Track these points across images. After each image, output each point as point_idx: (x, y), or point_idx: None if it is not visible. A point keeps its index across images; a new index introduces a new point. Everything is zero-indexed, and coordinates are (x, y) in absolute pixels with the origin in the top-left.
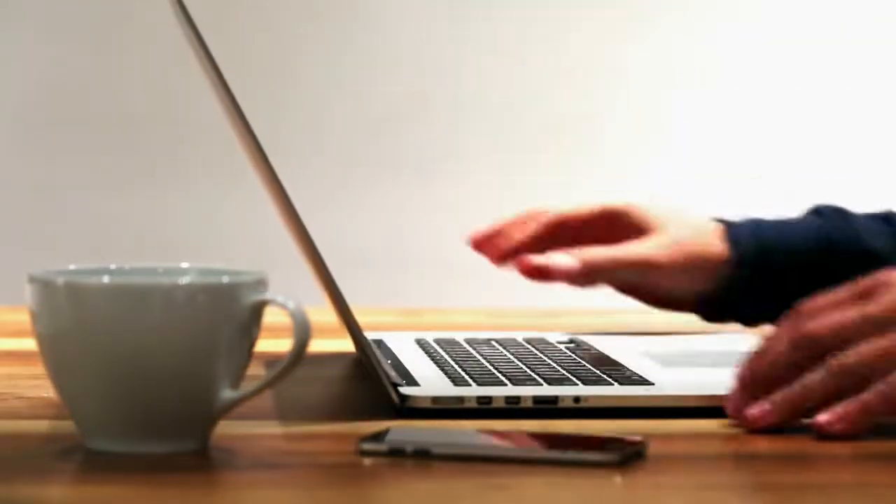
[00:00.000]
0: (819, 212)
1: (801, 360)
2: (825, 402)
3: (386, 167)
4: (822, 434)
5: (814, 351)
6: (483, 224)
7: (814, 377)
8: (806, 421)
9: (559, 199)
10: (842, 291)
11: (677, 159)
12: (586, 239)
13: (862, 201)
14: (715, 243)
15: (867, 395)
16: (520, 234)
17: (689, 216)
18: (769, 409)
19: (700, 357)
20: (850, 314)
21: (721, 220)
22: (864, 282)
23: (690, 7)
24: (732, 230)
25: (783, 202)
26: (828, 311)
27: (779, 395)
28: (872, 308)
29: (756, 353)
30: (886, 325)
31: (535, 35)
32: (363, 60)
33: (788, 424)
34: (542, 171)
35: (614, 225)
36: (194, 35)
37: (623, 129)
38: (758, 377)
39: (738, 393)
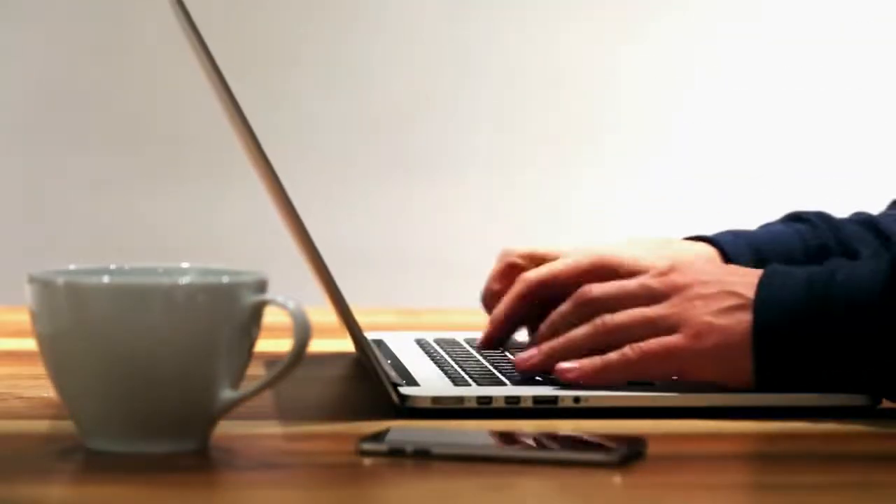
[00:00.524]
0: (802, 218)
1: (578, 318)
2: (587, 356)
3: (386, 167)
4: (563, 381)
5: (591, 310)
6: (482, 224)
7: (579, 331)
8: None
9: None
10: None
11: (675, 159)
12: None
13: (859, 201)
14: None
15: (612, 355)
16: (505, 303)
17: (677, 252)
18: (534, 353)
19: None
20: (632, 284)
21: (708, 240)
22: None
23: (690, 7)
24: (728, 252)
25: (780, 202)
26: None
27: (546, 345)
28: (652, 281)
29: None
30: (659, 298)
31: (534, 35)
32: (363, 60)
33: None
34: (541, 171)
35: (604, 277)
36: (194, 34)
37: (621, 130)
38: (543, 333)
39: (527, 346)
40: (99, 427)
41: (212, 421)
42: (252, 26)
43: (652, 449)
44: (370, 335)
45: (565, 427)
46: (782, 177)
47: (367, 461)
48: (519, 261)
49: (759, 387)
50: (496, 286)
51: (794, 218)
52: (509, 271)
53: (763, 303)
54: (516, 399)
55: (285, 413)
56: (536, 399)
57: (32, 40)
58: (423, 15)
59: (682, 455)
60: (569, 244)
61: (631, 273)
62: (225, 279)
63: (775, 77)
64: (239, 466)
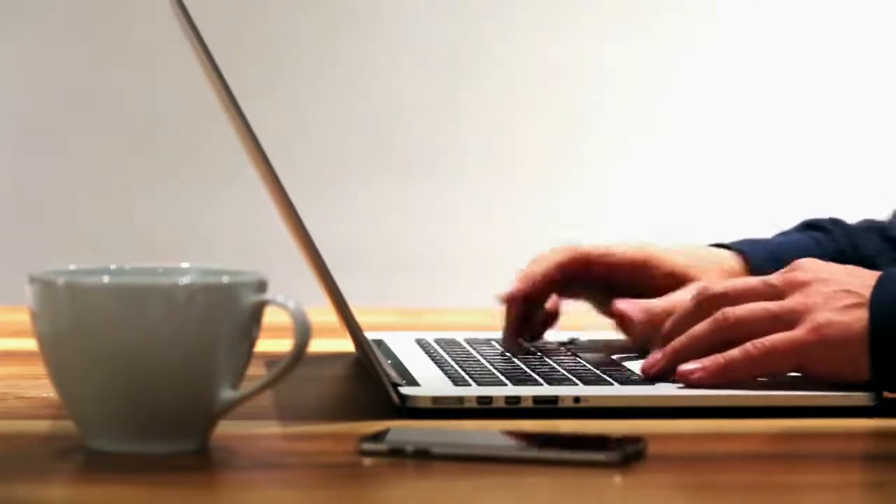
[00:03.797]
0: (818, 226)
1: (701, 317)
2: (710, 353)
3: (385, 167)
4: (685, 382)
5: (713, 307)
6: (482, 224)
7: (701, 327)
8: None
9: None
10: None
11: (674, 158)
12: (614, 279)
13: (851, 198)
14: None
15: (734, 352)
16: (545, 265)
17: (706, 256)
18: (659, 358)
19: None
20: (753, 280)
21: (731, 248)
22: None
23: (687, 7)
24: (752, 261)
25: (778, 200)
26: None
27: (669, 346)
28: (774, 278)
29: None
30: (780, 294)
31: (531, 35)
32: (361, 60)
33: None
34: (540, 170)
35: (640, 271)
36: (194, 34)
37: (619, 129)
38: (666, 334)
39: (652, 351)
40: (99, 427)
41: (212, 421)
42: (251, 26)
43: (652, 449)
44: (370, 335)
45: (565, 427)
46: (781, 175)
47: (367, 461)
48: (582, 257)
49: (876, 383)
50: (548, 277)
51: (810, 226)
52: (572, 267)
53: (879, 302)
54: (516, 399)
55: (285, 413)
56: (536, 399)
57: (32, 40)
58: (421, 15)
59: (682, 455)
60: (617, 241)
61: (671, 275)
62: (225, 279)
63: (772, 76)
64: (239, 466)
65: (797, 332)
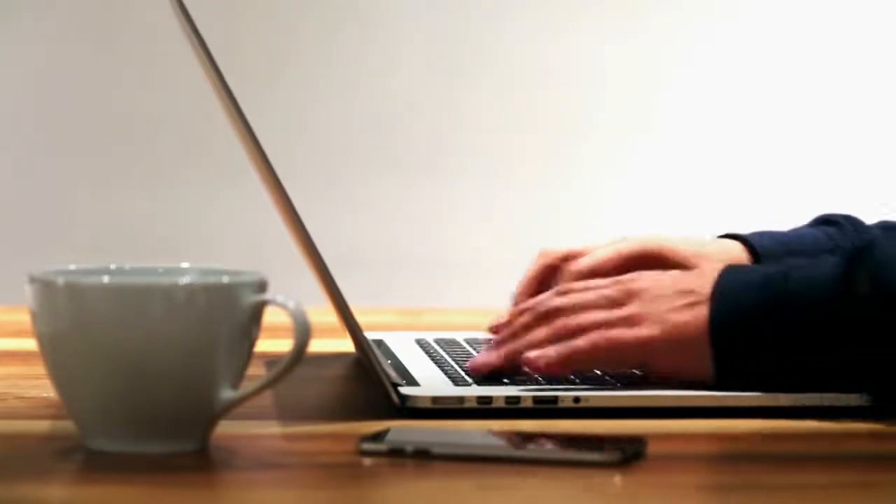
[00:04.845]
0: (832, 221)
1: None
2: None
3: (384, 167)
4: (531, 369)
5: (551, 319)
6: (481, 224)
7: (539, 332)
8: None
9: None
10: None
11: (673, 157)
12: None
13: (848, 197)
14: None
15: (578, 340)
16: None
17: (715, 248)
18: (495, 355)
19: None
20: (590, 294)
21: (740, 238)
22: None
23: (687, 7)
24: (759, 250)
25: (777, 198)
26: (578, 290)
27: (506, 347)
28: (609, 290)
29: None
30: (620, 303)
31: (530, 35)
32: (360, 60)
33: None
34: (540, 169)
35: (647, 266)
36: (193, 34)
37: (618, 128)
38: (503, 337)
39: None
40: (99, 427)
41: (212, 421)
42: (251, 26)
43: (652, 449)
44: (370, 335)
45: (565, 427)
46: (781, 175)
47: (367, 461)
48: (555, 261)
49: (719, 381)
50: (533, 287)
51: (824, 221)
52: (547, 273)
53: (719, 297)
54: (516, 399)
55: (285, 413)
56: (536, 399)
57: (32, 40)
58: (421, 15)
59: (682, 455)
60: (605, 241)
61: (676, 265)
62: (225, 279)
63: (772, 76)
64: (239, 466)
65: (644, 329)
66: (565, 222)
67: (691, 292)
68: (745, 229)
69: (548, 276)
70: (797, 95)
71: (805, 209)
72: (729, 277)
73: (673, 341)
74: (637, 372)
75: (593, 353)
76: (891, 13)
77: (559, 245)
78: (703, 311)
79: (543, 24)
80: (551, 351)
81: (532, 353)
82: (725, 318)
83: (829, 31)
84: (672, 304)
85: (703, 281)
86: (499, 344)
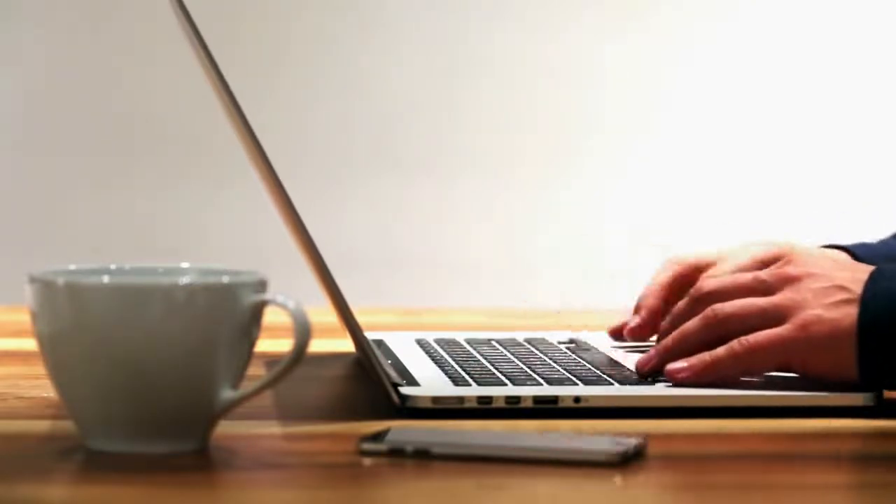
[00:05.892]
0: None
1: (694, 313)
2: (701, 349)
3: (384, 166)
4: (672, 381)
5: (705, 305)
6: (481, 223)
7: (691, 324)
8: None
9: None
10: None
11: (673, 157)
12: None
13: (854, 202)
14: None
15: (719, 350)
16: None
17: (838, 259)
18: (652, 355)
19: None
20: (745, 277)
21: (844, 249)
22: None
23: (687, 6)
24: (862, 260)
25: (771, 201)
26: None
27: (661, 344)
28: (765, 274)
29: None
30: (772, 289)
31: (529, 34)
32: (360, 60)
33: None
34: (539, 169)
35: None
36: (193, 34)
37: (617, 128)
38: (662, 333)
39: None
40: (99, 427)
41: (212, 421)
42: (251, 26)
43: (652, 449)
44: (370, 335)
45: (565, 427)
46: (781, 174)
47: (367, 461)
48: (688, 271)
49: (864, 382)
50: (663, 295)
51: None
52: (680, 282)
53: (871, 299)
54: (516, 399)
55: (285, 413)
56: (536, 399)
57: (32, 40)
58: (421, 15)
59: (682, 455)
60: (728, 247)
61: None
62: (225, 279)
63: (773, 76)
64: (239, 466)
65: (783, 330)
66: (565, 222)
67: (844, 289)
68: (745, 229)
69: (682, 285)
70: (797, 94)
71: (804, 208)
72: (880, 277)
73: (816, 342)
74: (628, 366)
75: (735, 362)
76: (890, 13)
77: (688, 251)
78: (852, 311)
79: (543, 23)
80: (695, 365)
81: (674, 366)
82: (874, 321)
83: (829, 30)
84: (823, 301)
85: (857, 277)
86: (661, 336)
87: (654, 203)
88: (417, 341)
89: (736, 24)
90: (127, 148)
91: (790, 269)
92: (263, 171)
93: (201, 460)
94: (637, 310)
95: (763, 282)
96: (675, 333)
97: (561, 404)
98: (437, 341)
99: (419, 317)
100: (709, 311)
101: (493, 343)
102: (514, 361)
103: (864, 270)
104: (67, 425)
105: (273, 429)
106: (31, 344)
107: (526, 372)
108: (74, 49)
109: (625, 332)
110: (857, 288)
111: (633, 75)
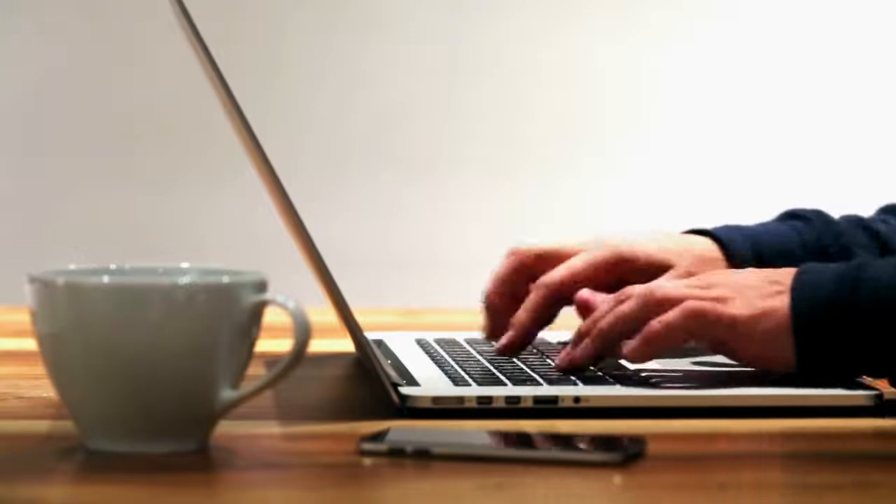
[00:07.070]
0: (799, 216)
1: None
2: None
3: (384, 167)
4: (627, 358)
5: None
6: (481, 223)
7: (626, 305)
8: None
9: (545, 213)
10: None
11: (672, 157)
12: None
13: (849, 198)
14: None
15: (669, 314)
16: (529, 310)
17: (682, 243)
18: (587, 342)
19: (699, 356)
20: (677, 280)
21: (709, 234)
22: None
23: (686, 7)
24: (730, 245)
25: (770, 201)
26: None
27: (596, 327)
28: (692, 280)
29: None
30: (703, 288)
31: (529, 35)
32: (359, 60)
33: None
34: (539, 168)
35: (622, 271)
36: (193, 34)
37: (617, 128)
38: (585, 327)
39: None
40: (99, 427)
41: (212, 421)
42: (251, 26)
43: (652, 449)
44: (370, 335)
45: (565, 427)
46: (779, 173)
47: (367, 461)
48: (527, 260)
49: (802, 371)
50: (504, 287)
51: (792, 216)
52: (518, 270)
53: (799, 287)
54: (516, 399)
55: (285, 413)
56: (536, 399)
57: (31, 40)
58: (420, 15)
59: (682, 455)
60: (574, 238)
61: (649, 265)
62: (225, 279)
63: (770, 75)
64: (239, 466)
65: (733, 308)
66: (565, 222)
67: (776, 282)
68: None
69: (521, 276)
70: (794, 93)
71: (803, 205)
72: (806, 270)
73: (758, 325)
74: (627, 365)
75: (684, 322)
76: (890, 12)
77: (530, 243)
78: (787, 300)
79: (543, 24)
80: (648, 331)
81: (626, 348)
82: (805, 309)
83: (826, 28)
84: (760, 292)
85: (786, 272)
86: (582, 335)
87: (652, 203)
88: (417, 341)
89: (733, 24)
90: (127, 148)
91: (715, 277)
92: (263, 171)
93: (201, 460)
94: (485, 312)
95: (692, 285)
96: (609, 316)
97: (561, 404)
98: (437, 341)
99: (419, 317)
100: (645, 290)
101: (493, 343)
102: (513, 361)
103: (789, 270)
104: (67, 425)
105: (273, 429)
106: (31, 344)
107: (526, 372)
108: (74, 49)
109: (485, 338)
110: (787, 280)
111: (632, 75)
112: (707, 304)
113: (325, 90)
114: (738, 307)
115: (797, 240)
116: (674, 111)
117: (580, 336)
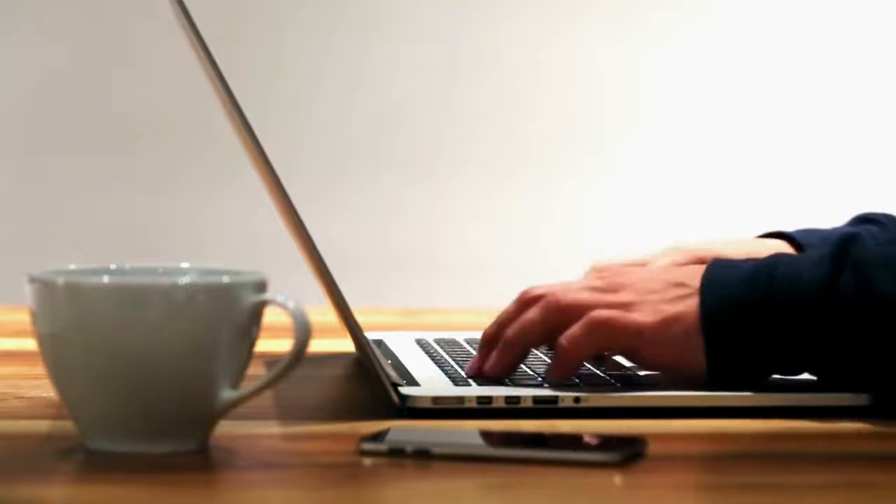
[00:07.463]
0: (871, 219)
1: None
2: (542, 340)
3: (384, 167)
4: (549, 381)
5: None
6: (481, 224)
7: (531, 314)
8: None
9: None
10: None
11: (672, 157)
12: None
13: (852, 201)
14: None
15: (573, 329)
16: None
17: (764, 249)
18: (494, 354)
19: None
20: (577, 285)
21: (785, 236)
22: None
23: (686, 7)
24: (806, 248)
25: (769, 201)
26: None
27: (502, 339)
28: (597, 282)
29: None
30: (608, 292)
31: (529, 35)
32: (359, 60)
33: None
34: (539, 169)
35: None
36: (193, 34)
37: (617, 128)
38: (490, 336)
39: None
40: (99, 427)
41: (212, 421)
42: (251, 26)
43: (652, 449)
44: (370, 335)
45: (565, 427)
46: (779, 174)
47: (367, 461)
48: None
49: (713, 375)
50: None
51: (864, 220)
52: None
53: (708, 288)
54: (516, 399)
55: (285, 413)
56: (536, 399)
57: (31, 40)
58: (420, 15)
59: (682, 455)
60: (653, 249)
61: None
62: (225, 279)
63: (770, 76)
64: (239, 466)
65: (637, 315)
66: (565, 222)
67: (682, 285)
68: (744, 229)
69: None
70: (794, 93)
71: (803, 206)
72: (715, 270)
73: (666, 331)
74: (627, 364)
75: (590, 337)
76: (890, 12)
77: (614, 256)
78: (694, 303)
79: (543, 24)
80: (556, 365)
81: (548, 373)
82: (715, 310)
83: (826, 28)
84: (663, 296)
85: (690, 272)
86: (489, 343)
87: (653, 203)
88: (417, 341)
89: (733, 24)
90: (127, 148)
91: (622, 278)
92: (263, 170)
93: (201, 460)
94: None
95: (597, 288)
96: (515, 325)
97: (561, 404)
98: (437, 341)
99: (419, 317)
100: (549, 296)
101: None
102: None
103: (699, 268)
104: (67, 425)
105: (273, 429)
106: (31, 344)
107: (526, 372)
108: (74, 49)
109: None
110: (695, 282)
111: (632, 75)
112: (613, 314)
113: (325, 90)
114: (645, 313)
115: (871, 243)
116: (674, 111)
117: (486, 343)
